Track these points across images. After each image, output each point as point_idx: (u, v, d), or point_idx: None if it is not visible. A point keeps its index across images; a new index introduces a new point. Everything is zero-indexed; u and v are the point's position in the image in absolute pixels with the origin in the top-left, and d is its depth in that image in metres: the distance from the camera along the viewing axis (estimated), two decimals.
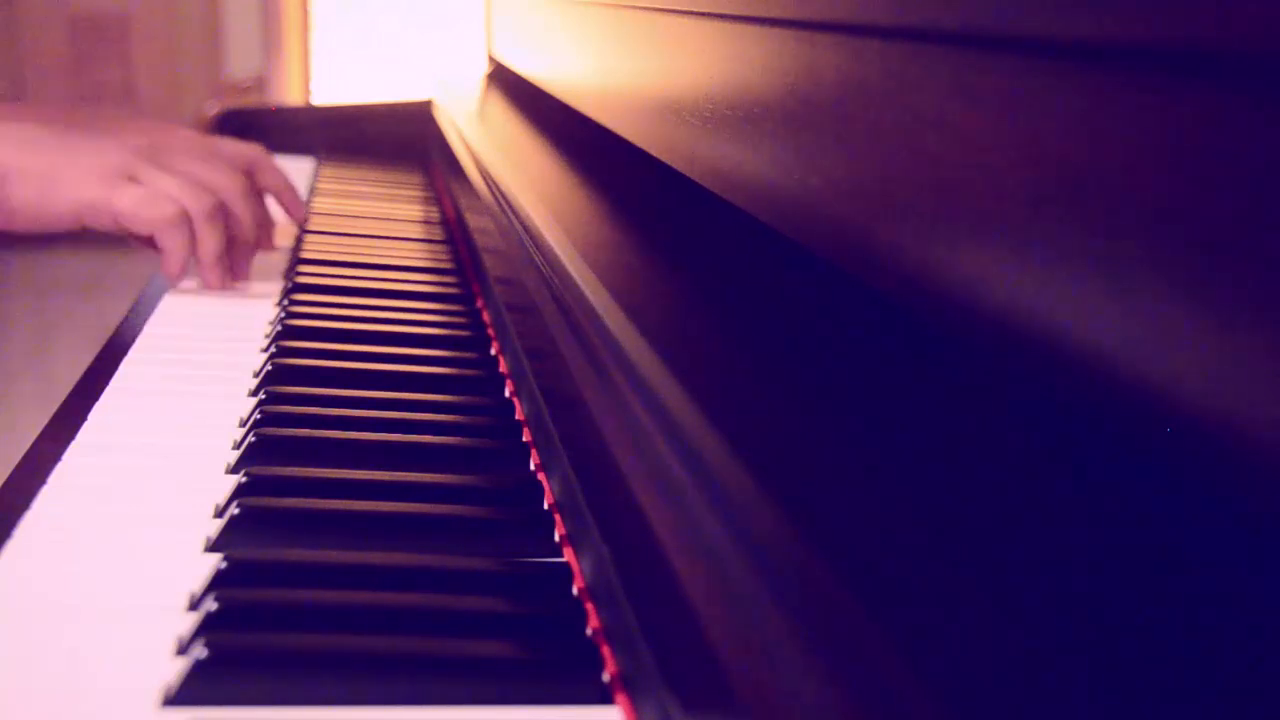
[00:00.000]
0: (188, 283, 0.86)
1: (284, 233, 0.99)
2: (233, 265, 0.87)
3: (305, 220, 1.03)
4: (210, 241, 0.84)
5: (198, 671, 0.40)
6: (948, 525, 0.30)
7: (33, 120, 0.84)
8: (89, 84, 3.50)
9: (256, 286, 0.89)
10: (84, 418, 0.62)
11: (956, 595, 0.27)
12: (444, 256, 1.01)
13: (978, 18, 0.35)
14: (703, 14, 0.60)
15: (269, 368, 0.69)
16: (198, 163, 0.85)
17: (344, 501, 0.54)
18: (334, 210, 1.13)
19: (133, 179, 0.81)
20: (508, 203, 0.73)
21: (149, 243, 0.84)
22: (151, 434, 0.61)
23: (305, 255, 0.96)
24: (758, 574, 0.29)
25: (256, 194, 0.91)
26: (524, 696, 0.41)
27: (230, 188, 0.86)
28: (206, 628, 0.43)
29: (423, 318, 0.83)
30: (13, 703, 0.39)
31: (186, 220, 0.82)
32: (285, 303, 0.83)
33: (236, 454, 0.58)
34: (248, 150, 0.94)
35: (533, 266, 0.62)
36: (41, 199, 0.80)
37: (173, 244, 0.82)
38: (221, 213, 0.84)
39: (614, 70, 0.79)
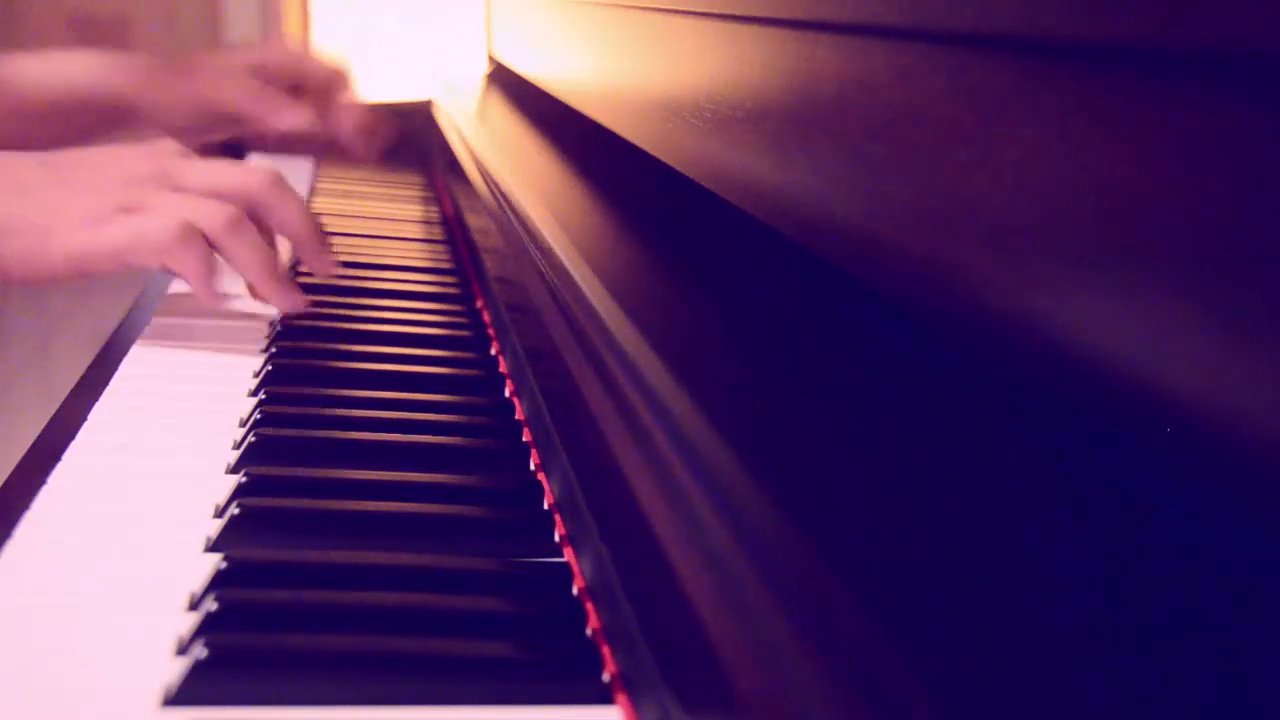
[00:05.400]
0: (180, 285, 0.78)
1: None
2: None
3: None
4: (241, 254, 0.73)
5: (198, 671, 0.40)
6: (947, 524, 0.30)
7: (33, 163, 0.74)
8: None
9: None
10: (84, 418, 0.62)
11: (958, 596, 0.27)
12: (444, 256, 1.01)
13: (977, 18, 0.35)
14: (703, 14, 0.60)
15: (269, 368, 0.69)
16: (218, 170, 0.75)
17: (344, 501, 0.54)
18: (334, 210, 1.13)
19: (131, 210, 0.72)
20: (508, 202, 0.72)
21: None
22: (151, 434, 0.61)
23: None
24: (758, 574, 0.29)
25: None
26: (524, 696, 0.41)
27: (257, 186, 0.75)
28: (206, 628, 0.43)
29: (423, 318, 0.83)
30: (13, 703, 0.39)
31: (191, 236, 0.71)
32: None
33: (236, 454, 0.58)
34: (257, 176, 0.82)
35: (533, 266, 0.62)
36: (33, 253, 0.71)
37: (184, 266, 0.71)
38: (249, 219, 0.73)
39: (614, 70, 0.79)
